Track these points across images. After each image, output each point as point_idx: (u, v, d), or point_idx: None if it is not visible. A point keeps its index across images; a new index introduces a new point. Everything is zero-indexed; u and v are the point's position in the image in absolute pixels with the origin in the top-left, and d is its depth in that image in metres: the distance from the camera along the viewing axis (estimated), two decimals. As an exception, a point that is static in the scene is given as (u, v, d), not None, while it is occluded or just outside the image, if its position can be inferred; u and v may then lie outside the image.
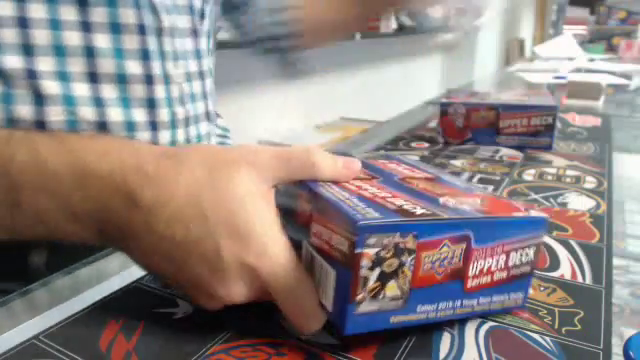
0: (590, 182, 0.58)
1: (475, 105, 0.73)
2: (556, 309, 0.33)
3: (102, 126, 0.44)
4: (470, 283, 0.31)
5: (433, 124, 0.91)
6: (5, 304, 0.35)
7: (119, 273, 0.38)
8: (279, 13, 0.67)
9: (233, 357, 0.29)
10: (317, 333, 0.30)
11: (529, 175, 0.61)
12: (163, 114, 0.47)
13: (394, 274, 0.27)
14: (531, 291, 0.36)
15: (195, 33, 0.53)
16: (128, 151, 0.32)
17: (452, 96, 0.80)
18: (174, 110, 0.48)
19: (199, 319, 0.32)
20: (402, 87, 3.21)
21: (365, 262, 0.26)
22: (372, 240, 0.26)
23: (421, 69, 3.71)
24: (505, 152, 0.71)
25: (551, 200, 0.53)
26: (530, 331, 0.31)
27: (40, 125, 0.41)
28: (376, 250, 0.26)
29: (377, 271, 0.27)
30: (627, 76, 1.61)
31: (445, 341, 0.30)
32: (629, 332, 0.30)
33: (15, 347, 0.30)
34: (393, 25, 2.88)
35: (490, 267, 0.31)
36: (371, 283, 0.27)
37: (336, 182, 0.33)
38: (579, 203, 0.52)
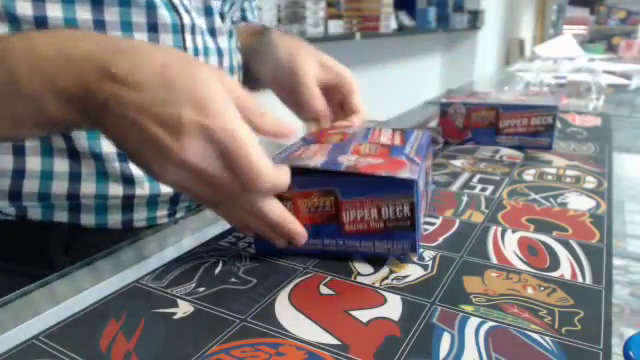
0: (590, 182, 0.58)
1: (475, 105, 0.73)
2: (556, 309, 0.33)
3: None
4: (348, 227, 0.39)
5: (433, 124, 0.91)
6: (5, 304, 0.35)
7: (119, 273, 0.38)
8: None
9: (233, 357, 0.29)
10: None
11: (529, 175, 0.61)
12: None
13: None
14: (531, 291, 0.36)
15: (213, 32, 0.55)
16: (106, 37, 0.38)
17: (452, 96, 0.80)
18: None
19: (199, 319, 0.32)
20: (402, 87, 3.21)
21: None
22: None
23: (421, 69, 3.71)
24: (505, 152, 0.71)
25: (551, 200, 0.53)
26: (530, 331, 0.31)
27: None
28: None
29: None
30: (627, 76, 1.61)
31: (445, 341, 0.30)
32: (629, 332, 0.30)
33: (15, 347, 0.30)
34: (393, 25, 2.88)
35: (363, 217, 0.39)
36: None
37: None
38: (579, 203, 0.52)
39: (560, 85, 1.46)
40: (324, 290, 0.36)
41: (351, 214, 0.39)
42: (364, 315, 0.33)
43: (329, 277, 0.38)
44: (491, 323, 0.32)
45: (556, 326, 0.32)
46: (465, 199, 0.53)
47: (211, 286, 0.36)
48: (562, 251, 0.42)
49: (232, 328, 0.31)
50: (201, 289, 0.36)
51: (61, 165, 0.47)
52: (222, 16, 0.58)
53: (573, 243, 0.43)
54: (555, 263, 0.40)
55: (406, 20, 3.17)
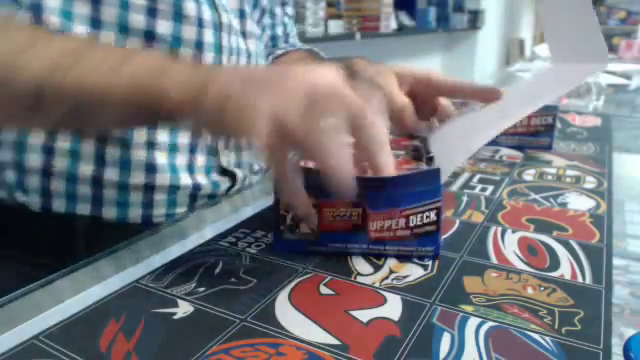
0: (590, 182, 0.58)
1: (475, 105, 0.73)
2: (556, 309, 0.33)
3: None
4: (374, 235, 0.40)
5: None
6: (5, 304, 0.35)
7: (119, 273, 0.38)
8: None
9: (233, 357, 0.29)
10: None
11: (529, 175, 0.61)
12: None
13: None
14: (531, 291, 0.36)
15: (244, 34, 0.59)
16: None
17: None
18: None
19: (199, 319, 0.32)
20: (402, 87, 3.21)
21: (281, 206, 0.40)
22: None
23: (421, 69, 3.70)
24: (505, 152, 0.71)
25: (551, 200, 0.53)
26: (530, 331, 0.31)
27: None
28: None
29: (291, 214, 0.40)
30: (627, 76, 1.61)
31: (445, 341, 0.30)
32: (629, 332, 0.30)
33: (15, 347, 0.30)
34: (393, 25, 2.88)
35: (390, 226, 0.39)
36: (288, 221, 0.40)
37: None
38: (579, 203, 0.52)
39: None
40: (324, 290, 0.36)
41: (378, 224, 0.39)
42: (364, 315, 0.33)
43: (329, 277, 0.38)
44: (491, 323, 0.32)
45: (556, 326, 0.32)
46: (465, 199, 0.53)
47: (211, 286, 0.36)
48: (562, 251, 0.42)
49: (232, 328, 0.31)
50: (201, 289, 0.36)
51: (88, 146, 0.50)
52: (258, 19, 0.64)
53: (573, 243, 0.43)
54: (555, 263, 0.40)
55: (406, 20, 3.17)
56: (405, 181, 0.39)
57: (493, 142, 0.73)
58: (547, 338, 0.30)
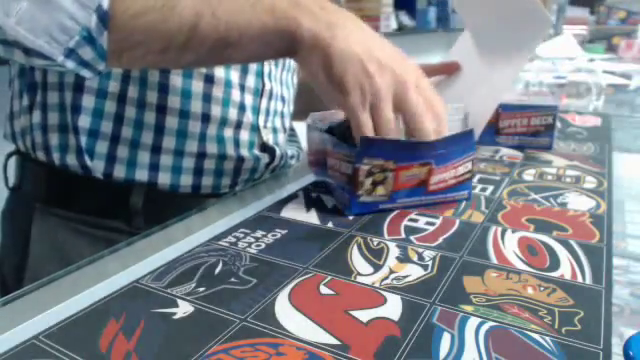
0: (590, 182, 0.58)
1: (475, 105, 0.73)
2: (556, 309, 0.33)
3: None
4: (431, 187, 0.49)
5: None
6: (5, 304, 0.35)
7: (119, 273, 0.38)
8: None
9: (233, 357, 0.29)
10: None
11: (529, 175, 0.61)
12: (249, 116, 0.62)
13: (381, 182, 0.47)
14: (531, 291, 0.36)
15: (284, 66, 0.67)
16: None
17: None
18: (258, 116, 0.63)
19: (199, 319, 0.32)
20: (402, 87, 3.20)
21: (360, 173, 0.46)
22: (365, 161, 0.45)
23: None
24: (505, 152, 0.71)
25: (551, 200, 0.53)
26: (530, 331, 0.31)
27: None
28: (368, 167, 0.46)
29: (370, 179, 0.46)
30: (627, 76, 1.61)
31: (445, 341, 0.30)
32: (629, 332, 0.30)
33: (15, 347, 0.30)
34: (393, 25, 2.88)
35: (445, 178, 0.49)
36: (366, 186, 0.47)
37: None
38: (579, 203, 0.52)
39: (560, 85, 1.46)
40: (324, 290, 0.36)
41: (437, 177, 0.48)
42: (364, 315, 0.33)
43: (329, 277, 0.38)
44: (491, 323, 0.32)
45: (556, 326, 0.32)
46: (465, 199, 0.53)
47: (211, 286, 0.36)
48: (562, 251, 0.42)
49: (232, 328, 0.31)
50: (201, 289, 0.36)
51: (150, 117, 0.55)
52: None
53: (573, 243, 0.43)
54: (555, 263, 0.40)
55: (406, 20, 3.17)
56: (455, 140, 0.48)
57: (493, 142, 0.73)
58: (547, 338, 0.30)
